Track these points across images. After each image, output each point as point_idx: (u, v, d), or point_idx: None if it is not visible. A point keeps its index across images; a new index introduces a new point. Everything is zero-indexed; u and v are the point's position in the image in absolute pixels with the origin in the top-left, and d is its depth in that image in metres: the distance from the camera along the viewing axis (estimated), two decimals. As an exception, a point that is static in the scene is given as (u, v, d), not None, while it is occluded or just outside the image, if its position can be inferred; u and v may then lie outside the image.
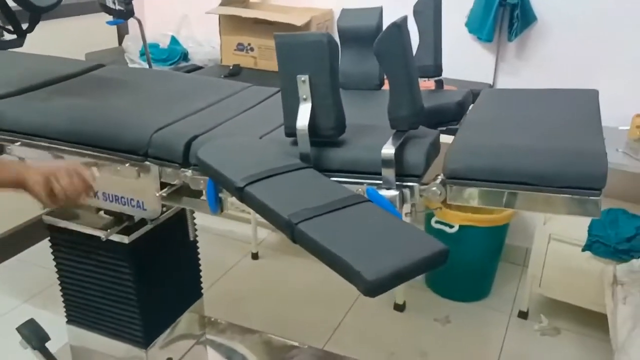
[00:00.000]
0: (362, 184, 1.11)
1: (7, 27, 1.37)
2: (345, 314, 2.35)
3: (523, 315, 2.34)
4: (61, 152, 1.36)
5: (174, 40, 2.62)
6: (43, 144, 1.37)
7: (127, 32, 2.99)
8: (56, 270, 1.67)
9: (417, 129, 1.14)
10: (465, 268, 2.41)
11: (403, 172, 1.10)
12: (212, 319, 1.99)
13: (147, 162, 1.28)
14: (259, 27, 2.49)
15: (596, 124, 1.18)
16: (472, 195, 1.09)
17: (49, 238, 1.64)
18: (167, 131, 1.27)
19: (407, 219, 1.10)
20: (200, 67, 2.57)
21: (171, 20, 2.95)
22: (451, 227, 2.28)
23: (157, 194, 1.29)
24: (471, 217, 2.27)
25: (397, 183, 1.09)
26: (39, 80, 1.59)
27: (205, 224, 2.92)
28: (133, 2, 2.95)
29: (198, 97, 1.51)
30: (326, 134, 1.12)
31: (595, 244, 2.07)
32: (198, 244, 1.88)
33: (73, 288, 1.67)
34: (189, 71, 2.49)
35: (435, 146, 1.18)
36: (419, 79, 1.43)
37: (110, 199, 1.38)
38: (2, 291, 2.39)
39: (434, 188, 1.10)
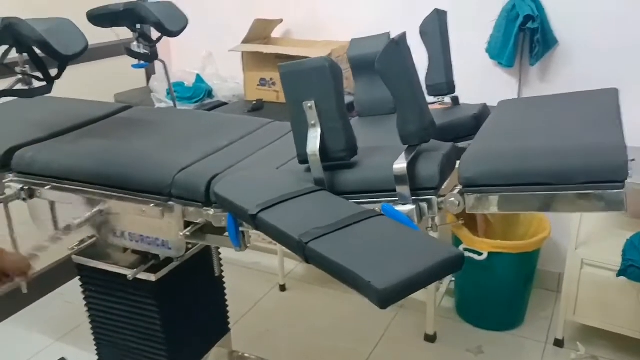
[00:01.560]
0: (378, 202, 1.11)
1: (35, 74, 1.42)
2: (375, 346, 2.32)
3: (559, 343, 2.27)
4: (89, 194, 1.39)
5: (198, 79, 2.68)
6: (72, 187, 1.41)
7: (153, 73, 3.08)
8: (86, 309, 1.70)
9: (429, 142, 1.14)
10: (497, 296, 2.37)
11: (418, 186, 1.09)
12: (241, 354, 1.98)
13: (171, 202, 1.30)
14: (280, 62, 2.52)
15: (614, 119, 1.15)
16: (490, 202, 1.07)
17: (78, 277, 1.67)
18: (189, 171, 1.30)
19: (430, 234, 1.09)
20: (224, 104, 2.62)
21: (197, 58, 3.02)
22: (480, 254, 2.24)
23: (181, 234, 1.31)
24: (500, 244, 2.23)
25: (414, 198, 1.09)
26: (68, 125, 1.64)
27: (232, 256, 2.93)
28: (160, 43, 3.05)
29: (220, 135, 1.53)
30: (338, 156, 1.13)
31: (630, 269, 2.01)
32: (224, 279, 1.89)
33: (103, 326, 1.69)
34: (213, 107, 2.54)
35: (449, 158, 1.16)
36: (434, 98, 1.45)
37: (136, 239, 1.41)
38: (35, 330, 2.44)
39: (452, 199, 1.08)
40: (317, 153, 1.10)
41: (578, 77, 2.29)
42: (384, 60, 1.06)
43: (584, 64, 2.28)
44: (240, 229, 1.21)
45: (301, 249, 0.93)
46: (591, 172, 0.99)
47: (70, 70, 2.79)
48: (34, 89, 1.40)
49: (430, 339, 2.33)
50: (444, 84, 1.41)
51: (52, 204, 1.51)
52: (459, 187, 1.10)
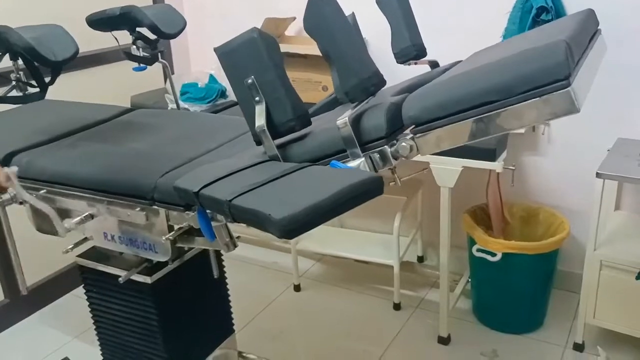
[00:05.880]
0: None
1: (30, 81, 1.44)
2: (387, 347, 2.28)
3: (578, 347, 2.18)
4: (79, 198, 1.41)
5: (211, 79, 2.68)
6: (64, 191, 1.43)
7: (172, 72, 3.11)
8: (89, 310, 1.73)
9: (375, 94, 1.10)
10: (514, 297, 2.29)
11: (367, 139, 1.06)
12: (245, 355, 1.98)
13: (155, 206, 1.31)
14: (292, 60, 2.51)
15: (566, 29, 1.06)
16: (440, 137, 1.03)
17: (81, 279, 1.70)
18: (172, 175, 1.29)
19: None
20: (237, 103, 2.61)
21: (214, 58, 3.03)
22: (493, 255, 2.18)
23: (164, 238, 1.31)
24: (514, 244, 2.16)
25: (364, 153, 1.06)
26: (68, 129, 1.66)
27: (249, 255, 2.96)
28: (178, 44, 3.07)
29: (213, 137, 1.53)
30: (287, 127, 1.09)
31: (651, 271, 1.91)
32: (233, 278, 1.89)
33: (104, 327, 1.72)
34: (225, 108, 2.54)
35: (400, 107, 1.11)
36: (405, 64, 1.41)
37: (125, 242, 1.42)
38: (56, 327, 2.51)
39: (403, 143, 1.05)
40: (265, 127, 1.07)
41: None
42: (309, 17, 1.04)
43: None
44: (214, 224, 1.16)
45: (228, 208, 0.91)
46: (529, 77, 0.92)
47: (90, 73, 2.85)
48: (27, 96, 1.43)
49: (444, 341, 2.28)
50: (411, 47, 1.37)
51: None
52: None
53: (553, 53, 0.91)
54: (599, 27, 1.27)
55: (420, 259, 2.83)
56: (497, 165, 2.01)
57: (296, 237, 0.84)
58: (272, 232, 0.82)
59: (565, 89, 0.90)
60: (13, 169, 1.22)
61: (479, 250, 2.22)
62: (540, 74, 0.92)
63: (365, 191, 0.88)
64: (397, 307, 2.51)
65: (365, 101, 1.09)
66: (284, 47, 2.53)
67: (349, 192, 0.86)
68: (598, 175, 1.86)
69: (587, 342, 2.19)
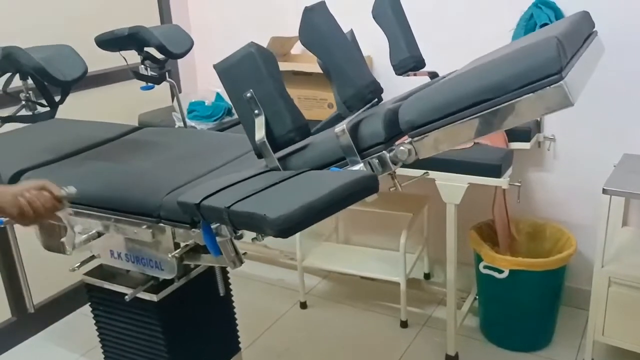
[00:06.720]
0: None
1: (40, 101, 1.46)
2: (394, 366, 2.27)
3: (588, 365, 2.16)
4: (87, 216, 1.42)
5: (218, 97, 2.71)
6: (72, 209, 1.44)
7: (180, 91, 3.13)
8: (96, 327, 1.73)
9: (372, 101, 1.11)
10: (521, 315, 2.27)
11: (365, 145, 1.07)
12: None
13: (161, 224, 1.31)
14: (297, 78, 2.54)
15: (559, 28, 1.06)
16: (437, 139, 1.03)
17: (87, 297, 1.70)
18: (178, 193, 1.29)
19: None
20: (244, 121, 2.63)
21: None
22: (500, 272, 2.17)
23: (170, 255, 1.31)
24: (522, 261, 2.15)
25: (363, 160, 1.07)
26: (76, 147, 1.69)
27: (255, 272, 2.96)
28: (185, 62, 3.10)
29: (219, 155, 1.54)
30: (287, 139, 1.10)
31: (660, 288, 1.90)
32: (240, 296, 1.88)
33: (111, 346, 1.71)
34: (232, 126, 2.56)
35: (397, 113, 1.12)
36: (404, 75, 1.42)
37: (132, 260, 1.42)
38: (63, 345, 2.50)
39: (402, 147, 1.06)
40: (265, 139, 1.08)
41: (603, 76, 2.18)
42: (304, 30, 1.05)
43: (609, 67, 2.18)
44: (219, 239, 1.16)
45: (227, 216, 0.92)
46: (523, 74, 0.93)
47: (98, 92, 2.89)
48: (37, 115, 1.45)
49: (452, 359, 2.26)
50: (409, 58, 1.38)
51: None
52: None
53: (545, 49, 0.92)
54: (594, 29, 1.28)
55: (427, 276, 2.82)
56: (502, 182, 2.01)
57: (292, 235, 0.85)
58: (268, 232, 0.83)
59: (558, 83, 0.91)
60: (71, 191, 1.19)
61: (485, 267, 2.21)
62: (533, 70, 0.93)
63: (359, 189, 0.90)
64: (404, 324, 2.49)
65: (363, 109, 1.10)
66: (289, 66, 2.57)
67: (343, 190, 0.88)
68: (605, 191, 1.86)
69: (597, 360, 2.17)
